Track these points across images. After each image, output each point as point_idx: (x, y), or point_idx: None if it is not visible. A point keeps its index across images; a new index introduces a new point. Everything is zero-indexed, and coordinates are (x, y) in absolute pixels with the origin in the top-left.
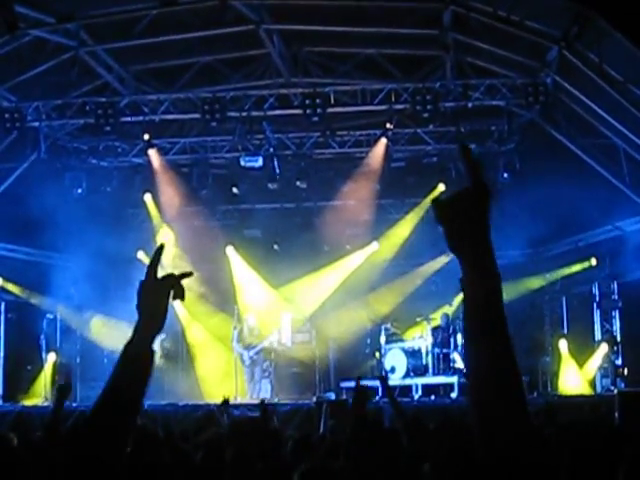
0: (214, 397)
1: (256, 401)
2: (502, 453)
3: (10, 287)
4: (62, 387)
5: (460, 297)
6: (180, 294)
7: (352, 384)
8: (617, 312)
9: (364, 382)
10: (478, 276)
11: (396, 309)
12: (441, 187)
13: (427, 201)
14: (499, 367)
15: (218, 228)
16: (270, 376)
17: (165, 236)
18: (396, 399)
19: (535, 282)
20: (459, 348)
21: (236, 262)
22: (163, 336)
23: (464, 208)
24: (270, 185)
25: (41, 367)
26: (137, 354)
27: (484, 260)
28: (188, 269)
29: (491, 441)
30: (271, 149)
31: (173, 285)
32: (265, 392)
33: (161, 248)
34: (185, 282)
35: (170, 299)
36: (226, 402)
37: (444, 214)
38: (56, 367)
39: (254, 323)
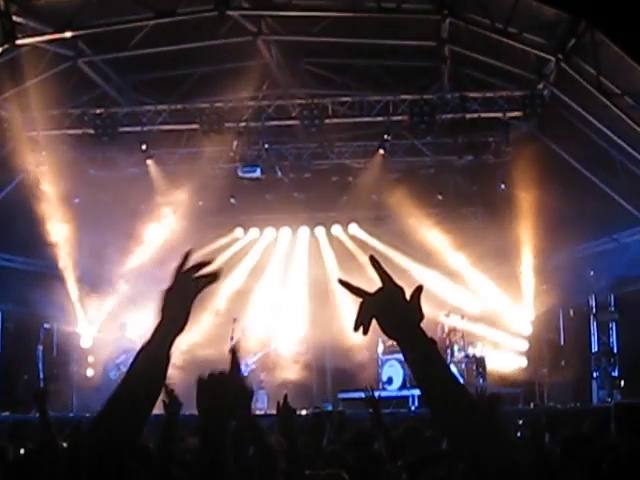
0: None
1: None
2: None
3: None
4: (37, 394)
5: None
6: (215, 278)
7: (350, 395)
8: (614, 324)
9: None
10: (415, 351)
11: None
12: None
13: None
14: (458, 406)
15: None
16: (266, 387)
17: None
18: (382, 422)
19: None
20: (455, 359)
21: (234, 272)
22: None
23: (387, 305)
24: (267, 196)
25: (38, 377)
26: (154, 356)
27: (416, 337)
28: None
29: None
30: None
31: (202, 287)
32: (262, 403)
33: (188, 254)
34: None
35: (195, 299)
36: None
37: (376, 311)
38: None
39: (251, 332)
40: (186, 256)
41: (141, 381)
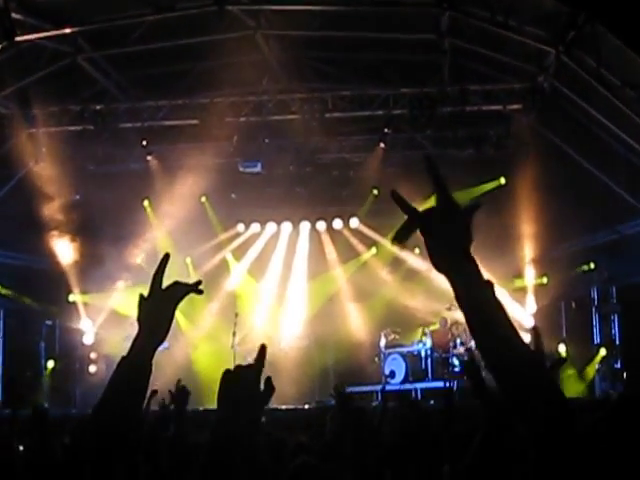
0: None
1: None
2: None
3: (8, 293)
4: (11, 401)
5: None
6: (198, 291)
7: (353, 389)
8: (616, 316)
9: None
10: (464, 287)
11: (395, 314)
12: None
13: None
14: (512, 354)
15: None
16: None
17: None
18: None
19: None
20: (457, 352)
21: (235, 267)
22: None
23: (439, 228)
24: (268, 191)
25: (40, 373)
26: (135, 367)
27: (467, 272)
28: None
29: (531, 413)
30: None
31: (183, 294)
32: None
33: (166, 258)
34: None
35: (176, 309)
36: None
37: (424, 231)
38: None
39: (257, 326)
40: (163, 261)
41: (124, 391)
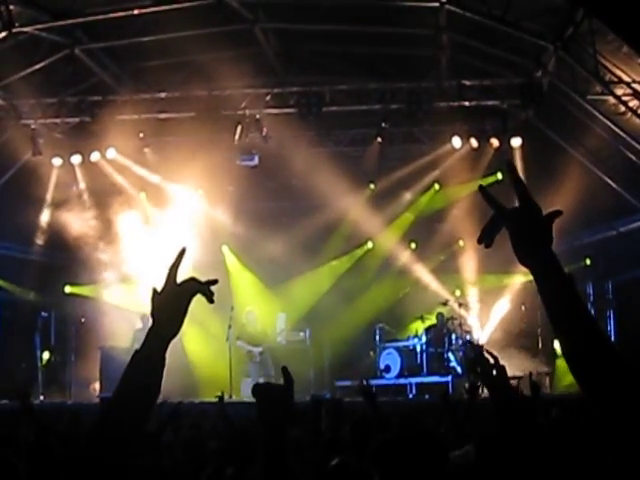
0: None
1: None
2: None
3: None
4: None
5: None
6: (209, 298)
7: (347, 383)
8: (611, 311)
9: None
10: (546, 280)
11: (391, 308)
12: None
13: (423, 200)
14: (591, 346)
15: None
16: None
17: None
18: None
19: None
20: (453, 347)
21: (231, 261)
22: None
23: (523, 227)
24: (266, 184)
25: (35, 365)
26: (148, 360)
27: (549, 267)
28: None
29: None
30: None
31: (196, 291)
32: None
33: (182, 252)
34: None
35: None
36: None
37: (510, 228)
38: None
39: (252, 319)
40: (180, 255)
41: (138, 386)
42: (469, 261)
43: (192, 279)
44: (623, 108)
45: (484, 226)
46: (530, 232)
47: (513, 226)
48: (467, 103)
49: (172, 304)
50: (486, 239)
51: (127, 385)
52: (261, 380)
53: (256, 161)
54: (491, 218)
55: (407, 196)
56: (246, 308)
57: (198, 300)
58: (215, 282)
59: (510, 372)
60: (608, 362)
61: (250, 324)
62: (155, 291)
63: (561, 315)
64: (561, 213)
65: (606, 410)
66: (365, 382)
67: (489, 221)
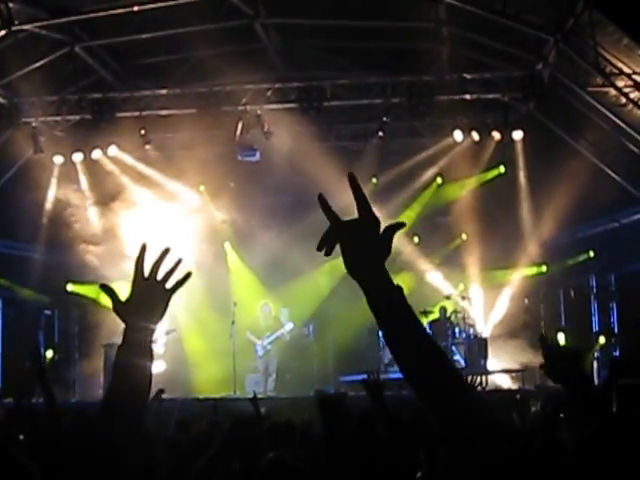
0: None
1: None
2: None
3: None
4: (39, 373)
5: (459, 290)
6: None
7: (351, 378)
8: (614, 304)
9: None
10: (378, 295)
11: None
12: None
13: (425, 194)
14: (426, 361)
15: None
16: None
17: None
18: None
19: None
20: (456, 341)
21: (233, 257)
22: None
23: (357, 240)
24: (267, 180)
25: (40, 363)
26: (130, 360)
27: (380, 282)
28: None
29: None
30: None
31: (176, 288)
32: (271, 386)
33: (166, 252)
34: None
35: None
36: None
37: (342, 239)
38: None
39: (268, 311)
40: (163, 254)
41: (128, 380)
42: (472, 255)
43: (171, 273)
44: (624, 100)
45: (323, 235)
46: (363, 245)
47: (345, 238)
48: (468, 96)
49: (151, 300)
50: (322, 248)
51: (119, 378)
52: (263, 377)
53: (257, 157)
54: (328, 228)
55: (409, 190)
56: (260, 301)
57: (198, 299)
58: (188, 276)
59: (514, 365)
60: (442, 375)
61: (265, 317)
62: (118, 301)
63: (392, 329)
64: (403, 225)
65: (441, 418)
66: (375, 375)
67: (326, 231)
